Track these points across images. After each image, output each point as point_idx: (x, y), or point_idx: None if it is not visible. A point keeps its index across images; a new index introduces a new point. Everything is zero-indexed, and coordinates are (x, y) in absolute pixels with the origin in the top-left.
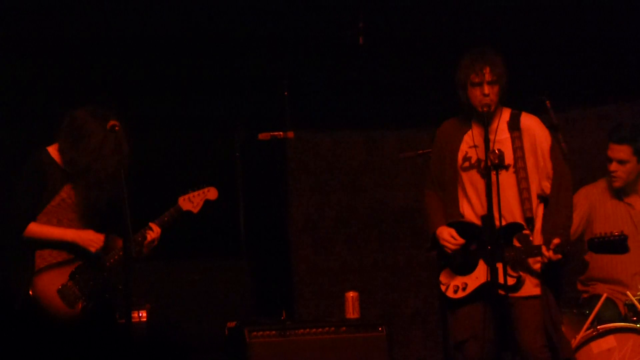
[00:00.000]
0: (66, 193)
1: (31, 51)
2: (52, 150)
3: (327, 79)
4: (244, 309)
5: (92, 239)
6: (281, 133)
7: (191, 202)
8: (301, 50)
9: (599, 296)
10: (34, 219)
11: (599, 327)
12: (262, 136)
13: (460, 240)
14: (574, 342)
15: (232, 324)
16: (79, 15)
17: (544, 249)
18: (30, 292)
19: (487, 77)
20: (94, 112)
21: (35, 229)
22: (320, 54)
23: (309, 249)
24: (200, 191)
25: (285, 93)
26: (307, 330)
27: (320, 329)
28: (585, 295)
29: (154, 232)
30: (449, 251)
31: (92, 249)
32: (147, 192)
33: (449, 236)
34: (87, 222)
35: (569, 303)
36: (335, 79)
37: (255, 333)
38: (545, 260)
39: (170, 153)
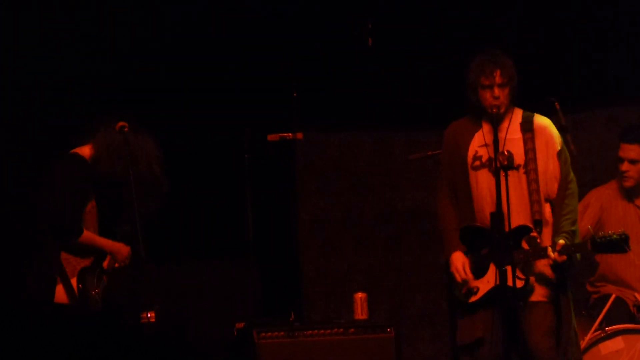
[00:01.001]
0: (94, 201)
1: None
2: (86, 153)
3: (336, 80)
4: (252, 310)
5: (124, 254)
6: (290, 134)
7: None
8: (310, 51)
9: (608, 297)
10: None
11: (607, 328)
12: (270, 137)
13: (468, 277)
14: (582, 344)
15: (240, 325)
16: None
17: (549, 250)
18: (82, 288)
19: (498, 79)
20: (132, 129)
21: (88, 235)
22: (330, 55)
23: (317, 250)
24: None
25: (294, 94)
26: (316, 331)
27: (328, 330)
28: (595, 297)
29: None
30: (458, 280)
31: (122, 263)
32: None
33: (461, 268)
34: (105, 231)
35: (578, 304)
36: (344, 80)
37: (263, 334)
38: (551, 262)
39: (179, 154)
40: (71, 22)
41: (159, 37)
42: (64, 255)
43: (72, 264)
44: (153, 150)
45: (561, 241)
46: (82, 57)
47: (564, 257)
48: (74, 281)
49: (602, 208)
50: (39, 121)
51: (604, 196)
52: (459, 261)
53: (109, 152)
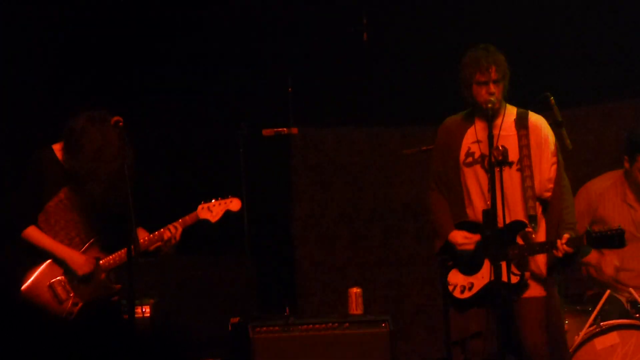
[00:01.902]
0: (64, 194)
1: (37, 48)
2: (58, 149)
3: (331, 76)
4: (247, 304)
5: (82, 264)
6: (285, 129)
7: (210, 211)
8: (305, 46)
9: (603, 293)
10: (34, 220)
11: (602, 323)
12: (265, 132)
13: (476, 236)
14: (577, 339)
15: (235, 320)
16: (85, 11)
17: (558, 242)
18: (23, 286)
19: (493, 75)
20: (92, 117)
21: (33, 233)
22: (324, 51)
23: (312, 245)
24: (222, 201)
25: (289, 89)
26: (311, 326)
27: (323, 325)
28: (589, 292)
29: (172, 231)
30: (467, 250)
31: (79, 272)
32: (153, 189)
33: (463, 238)
34: (87, 223)
35: (573, 300)
36: (339, 75)
37: (258, 329)
38: (560, 254)
39: (174, 149)
40: (66, 13)
41: (155, 32)
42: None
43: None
44: (122, 145)
45: (566, 234)
46: (77, 51)
47: (572, 249)
48: (38, 272)
49: (595, 200)
50: (32, 117)
51: (597, 189)
52: (459, 236)
53: (71, 145)
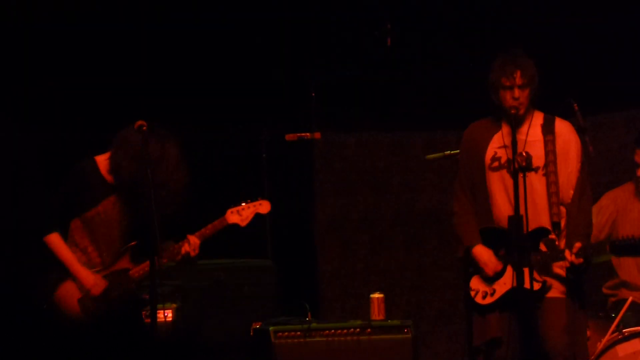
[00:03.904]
0: (103, 207)
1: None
2: (101, 160)
3: (354, 81)
4: (269, 309)
5: (93, 284)
6: (308, 134)
7: (239, 214)
8: (328, 51)
9: (625, 300)
10: (60, 228)
11: (624, 330)
12: (288, 137)
13: (499, 267)
14: (600, 346)
15: (257, 325)
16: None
17: (567, 252)
18: (54, 296)
19: (518, 80)
20: (151, 129)
21: (55, 241)
22: (348, 55)
23: (335, 250)
24: (252, 204)
25: (312, 94)
26: (333, 331)
27: (345, 331)
28: (612, 300)
29: (190, 244)
30: (486, 275)
31: (92, 292)
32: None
33: (488, 259)
34: (122, 237)
35: (595, 307)
36: (362, 80)
37: (280, 334)
38: (568, 264)
39: (197, 154)
40: (87, 20)
41: (177, 38)
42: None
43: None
44: (175, 154)
45: (578, 243)
46: (99, 56)
47: (581, 260)
48: (66, 285)
49: (617, 209)
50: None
51: (618, 198)
52: (484, 254)
53: (124, 153)
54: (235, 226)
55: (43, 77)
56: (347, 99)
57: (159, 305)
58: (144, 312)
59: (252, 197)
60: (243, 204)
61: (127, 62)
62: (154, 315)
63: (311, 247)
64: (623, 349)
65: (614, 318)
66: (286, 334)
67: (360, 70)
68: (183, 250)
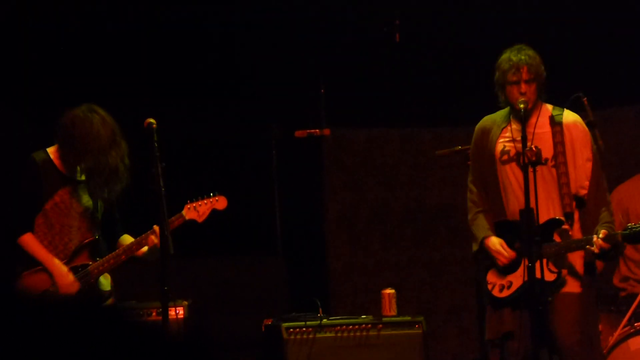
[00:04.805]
0: (60, 197)
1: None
2: (52, 152)
3: (363, 76)
4: (280, 306)
5: (67, 284)
6: (317, 130)
7: (197, 210)
8: (338, 47)
9: (636, 294)
10: (31, 227)
11: (636, 324)
12: (298, 134)
13: (512, 254)
14: (612, 340)
15: (268, 321)
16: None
17: (595, 238)
18: (17, 287)
19: (525, 75)
20: (89, 109)
21: (29, 241)
22: (357, 51)
23: (345, 246)
24: (208, 200)
25: (322, 90)
26: (344, 327)
27: (357, 326)
28: (623, 294)
29: (157, 235)
30: (501, 264)
31: (61, 290)
32: (183, 190)
33: (500, 248)
34: (80, 229)
35: (606, 300)
36: (371, 76)
37: (291, 330)
38: (597, 250)
39: (207, 151)
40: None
41: (186, 32)
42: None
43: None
44: (109, 132)
45: (604, 230)
46: (108, 50)
47: (609, 245)
48: (30, 278)
49: (628, 201)
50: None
51: (628, 190)
52: (497, 243)
53: (65, 140)
54: (193, 222)
55: (44, 76)
56: (357, 95)
57: (170, 303)
58: (154, 310)
59: (208, 193)
60: (200, 199)
61: (135, 60)
62: (165, 312)
63: (321, 243)
64: (635, 342)
65: (626, 312)
66: (297, 330)
67: (370, 66)
68: (150, 242)
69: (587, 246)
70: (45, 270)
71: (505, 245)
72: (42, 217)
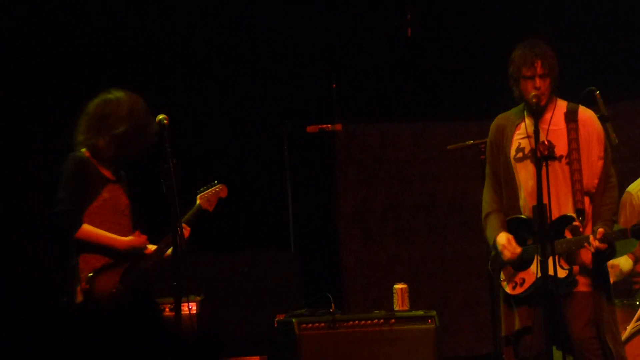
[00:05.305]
0: (108, 193)
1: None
2: (86, 153)
3: (375, 71)
4: (293, 301)
5: (143, 242)
6: (329, 126)
7: (209, 200)
8: (349, 42)
9: None
10: (83, 220)
11: None
12: (310, 129)
13: (517, 250)
14: (624, 334)
15: (281, 316)
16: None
17: (591, 238)
18: (88, 288)
19: (539, 70)
20: (105, 93)
21: (89, 231)
22: (369, 46)
23: (358, 241)
24: (214, 189)
25: (334, 85)
26: (357, 322)
27: (369, 321)
28: (636, 287)
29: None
30: (505, 258)
31: (147, 251)
32: (195, 184)
33: (507, 241)
34: (127, 226)
35: (619, 294)
36: (383, 71)
37: (304, 325)
38: (593, 250)
39: (218, 147)
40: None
41: (201, 31)
42: (82, 256)
43: (92, 262)
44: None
45: (601, 229)
46: (121, 47)
47: (605, 245)
48: (98, 280)
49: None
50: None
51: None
52: (504, 238)
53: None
54: (205, 212)
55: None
56: (369, 89)
57: (183, 299)
58: (167, 306)
59: (209, 182)
60: (208, 189)
61: (149, 55)
62: (178, 308)
63: (334, 239)
64: None
65: (639, 306)
66: (310, 325)
67: (381, 61)
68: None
69: (585, 243)
70: (109, 269)
71: (512, 241)
72: (86, 216)
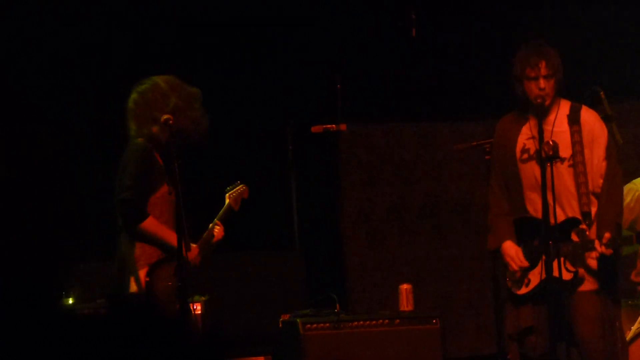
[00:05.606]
0: (167, 187)
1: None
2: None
3: (379, 72)
4: (297, 301)
5: (192, 258)
6: (334, 126)
7: (235, 200)
8: (354, 42)
9: None
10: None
11: None
12: (314, 129)
13: (524, 264)
14: (629, 334)
15: (286, 317)
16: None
17: (597, 243)
18: (148, 280)
19: (543, 71)
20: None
21: (154, 224)
22: (373, 46)
23: (362, 241)
24: (238, 189)
25: (338, 86)
26: (361, 322)
27: (374, 322)
28: None
29: (219, 228)
30: (511, 269)
31: (192, 262)
32: (198, 185)
33: (515, 255)
34: (172, 220)
35: (624, 294)
36: (387, 71)
37: (309, 325)
38: (598, 255)
39: (223, 146)
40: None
41: (204, 29)
42: (139, 246)
43: (149, 253)
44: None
45: (607, 234)
46: (128, 47)
47: (610, 251)
48: (142, 272)
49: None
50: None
51: None
52: (512, 249)
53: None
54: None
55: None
56: (373, 90)
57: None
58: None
59: (231, 182)
60: (234, 188)
61: (151, 54)
62: (183, 309)
63: (338, 239)
64: None
65: None
66: (315, 325)
67: (386, 61)
68: (217, 235)
69: (590, 247)
70: (165, 262)
71: (521, 255)
72: (149, 206)
